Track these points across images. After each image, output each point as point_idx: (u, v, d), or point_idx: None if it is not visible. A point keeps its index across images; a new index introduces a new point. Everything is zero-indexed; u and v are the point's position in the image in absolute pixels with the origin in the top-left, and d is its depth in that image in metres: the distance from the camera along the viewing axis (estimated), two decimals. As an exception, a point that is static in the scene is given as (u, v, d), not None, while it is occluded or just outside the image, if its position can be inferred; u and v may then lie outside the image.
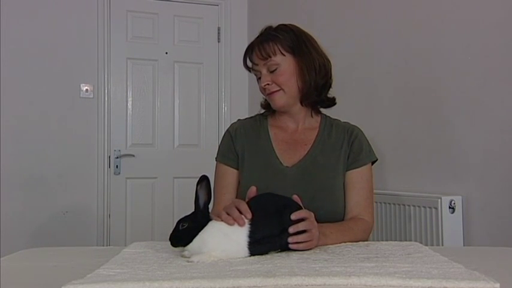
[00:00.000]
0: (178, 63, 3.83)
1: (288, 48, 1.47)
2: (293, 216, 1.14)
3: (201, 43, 3.88)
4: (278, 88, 1.47)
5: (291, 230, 1.12)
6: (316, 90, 1.50)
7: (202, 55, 3.88)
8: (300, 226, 1.13)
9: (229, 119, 3.79)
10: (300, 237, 1.13)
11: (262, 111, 1.63)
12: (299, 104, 1.53)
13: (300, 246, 1.14)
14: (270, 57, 1.46)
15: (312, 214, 1.19)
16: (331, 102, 1.56)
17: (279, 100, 1.49)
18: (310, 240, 1.15)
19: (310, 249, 1.17)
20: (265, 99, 1.58)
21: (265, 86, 1.48)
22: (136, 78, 3.73)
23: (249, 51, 1.52)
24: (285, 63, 1.46)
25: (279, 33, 1.48)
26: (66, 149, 3.51)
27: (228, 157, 1.55)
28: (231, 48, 3.91)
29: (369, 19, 2.70)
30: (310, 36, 1.53)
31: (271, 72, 1.47)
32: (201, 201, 1.13)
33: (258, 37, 1.52)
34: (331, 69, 1.53)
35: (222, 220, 1.09)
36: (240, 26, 3.93)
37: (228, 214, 1.10)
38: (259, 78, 1.51)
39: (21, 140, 3.42)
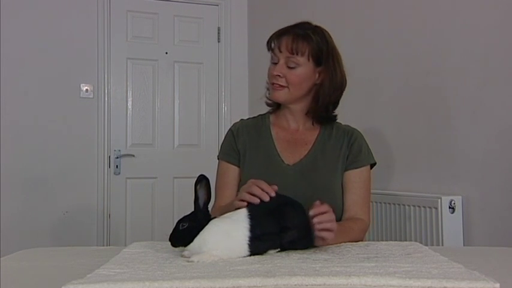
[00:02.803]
0: (178, 63, 3.82)
1: (315, 56, 1.46)
2: (311, 212, 1.16)
3: (201, 43, 3.88)
4: (285, 85, 1.47)
5: (314, 220, 1.15)
6: (327, 106, 1.52)
7: (202, 55, 3.87)
8: (324, 217, 1.16)
9: (229, 119, 3.79)
10: (327, 225, 1.15)
11: (263, 111, 1.64)
12: (300, 106, 1.53)
13: (325, 234, 1.15)
14: (297, 54, 1.45)
15: (331, 209, 1.20)
16: (334, 119, 1.57)
17: (280, 96, 1.50)
18: (332, 230, 1.17)
19: (311, 247, 1.18)
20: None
21: (275, 75, 1.47)
22: (136, 78, 3.73)
23: (279, 36, 1.48)
24: (305, 67, 1.46)
25: (315, 36, 1.47)
26: (66, 149, 3.50)
27: (230, 155, 1.56)
28: (231, 48, 3.90)
29: (369, 19, 2.70)
30: (338, 53, 1.52)
31: (289, 67, 1.46)
32: (201, 201, 1.13)
33: (293, 27, 1.49)
34: (345, 89, 1.54)
35: (246, 200, 1.13)
36: (240, 26, 3.92)
37: (250, 194, 1.13)
38: (273, 63, 1.49)
39: (21, 140, 3.42)
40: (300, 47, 1.45)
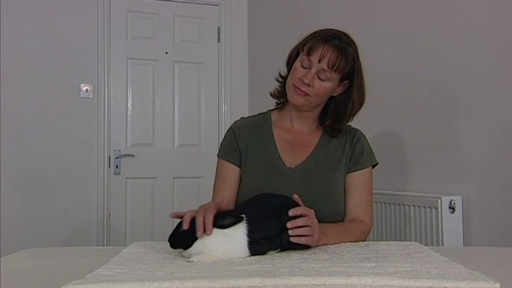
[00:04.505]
0: (178, 63, 3.82)
1: (346, 74, 1.44)
2: (291, 213, 1.15)
3: (201, 43, 3.88)
4: (309, 93, 1.43)
5: (289, 225, 1.13)
6: (341, 121, 1.51)
7: (202, 55, 3.87)
8: (299, 222, 1.14)
9: (229, 119, 3.79)
10: (300, 230, 1.14)
11: (264, 110, 1.62)
12: (311, 112, 1.52)
13: (301, 239, 1.14)
14: (335, 71, 1.41)
15: (312, 211, 1.20)
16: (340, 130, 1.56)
17: (300, 101, 1.45)
18: (310, 235, 1.16)
19: (311, 246, 1.18)
20: (279, 91, 1.55)
21: (304, 81, 1.41)
22: (136, 78, 3.73)
23: (321, 45, 1.41)
24: (334, 81, 1.44)
25: (351, 51, 1.43)
26: (66, 149, 3.50)
27: (231, 154, 1.53)
28: (231, 48, 3.90)
29: (369, 19, 2.70)
30: (362, 71, 1.50)
31: (319, 78, 1.42)
32: None
33: (333, 37, 1.42)
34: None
35: (184, 217, 1.10)
36: (240, 26, 3.92)
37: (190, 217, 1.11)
38: (303, 67, 1.43)
39: (21, 140, 3.42)
40: (341, 65, 1.41)
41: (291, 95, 1.46)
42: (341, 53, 1.41)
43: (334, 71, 1.41)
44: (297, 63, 1.45)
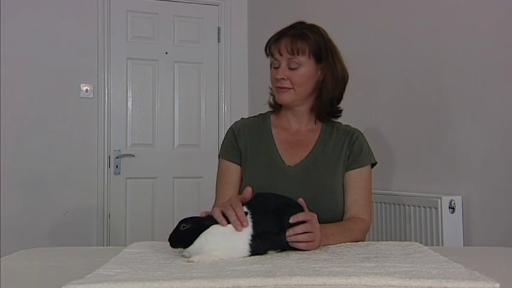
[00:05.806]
0: (178, 63, 3.83)
1: (315, 54, 1.46)
2: (291, 220, 1.15)
3: (201, 43, 3.88)
4: (290, 86, 1.47)
5: (288, 233, 1.13)
6: (331, 101, 1.52)
7: (202, 55, 3.88)
8: (297, 229, 1.14)
9: (229, 119, 3.79)
10: (299, 237, 1.14)
11: (264, 111, 1.64)
12: (304, 106, 1.53)
13: (300, 245, 1.14)
14: (298, 54, 1.45)
15: (314, 215, 1.20)
16: (339, 114, 1.57)
17: (287, 98, 1.49)
18: (311, 241, 1.16)
19: (312, 249, 1.17)
20: (273, 99, 1.57)
21: (279, 79, 1.47)
22: (136, 78, 3.73)
23: (277, 40, 1.48)
24: (307, 66, 1.46)
25: (312, 34, 1.47)
26: (66, 149, 3.50)
27: (232, 153, 1.55)
28: (231, 48, 3.91)
29: (369, 19, 2.70)
30: (336, 47, 1.52)
31: (291, 69, 1.46)
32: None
33: (289, 29, 1.49)
34: (347, 82, 1.54)
35: (214, 215, 1.08)
36: (240, 26, 3.93)
37: (222, 213, 1.09)
38: (274, 68, 1.49)
39: (21, 140, 3.42)
40: (300, 46, 1.45)
41: (276, 97, 1.52)
42: (295, 37, 1.45)
43: (297, 54, 1.44)
44: (271, 68, 1.52)
